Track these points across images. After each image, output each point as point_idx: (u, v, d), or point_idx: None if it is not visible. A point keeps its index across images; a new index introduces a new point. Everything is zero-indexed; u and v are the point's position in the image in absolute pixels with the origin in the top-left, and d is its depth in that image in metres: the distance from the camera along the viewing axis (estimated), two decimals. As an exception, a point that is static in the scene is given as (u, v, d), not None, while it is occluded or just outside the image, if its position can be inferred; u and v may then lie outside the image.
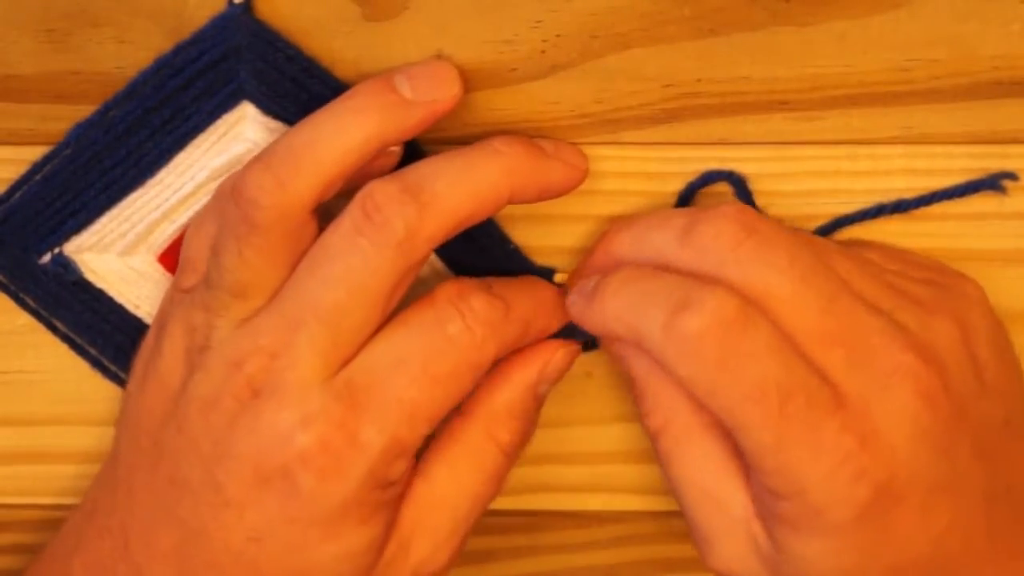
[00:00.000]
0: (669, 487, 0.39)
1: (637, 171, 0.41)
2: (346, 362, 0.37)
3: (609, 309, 0.37)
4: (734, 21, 0.39)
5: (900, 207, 0.41)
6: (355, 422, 0.36)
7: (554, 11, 0.39)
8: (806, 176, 0.41)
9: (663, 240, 0.38)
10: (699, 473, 0.38)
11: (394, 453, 0.36)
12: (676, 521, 0.45)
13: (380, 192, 0.36)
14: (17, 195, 0.41)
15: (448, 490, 0.39)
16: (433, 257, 0.41)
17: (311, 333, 0.36)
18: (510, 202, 0.38)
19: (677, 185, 0.41)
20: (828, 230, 0.41)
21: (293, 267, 0.37)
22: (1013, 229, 0.41)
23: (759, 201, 0.41)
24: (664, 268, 0.37)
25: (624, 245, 0.39)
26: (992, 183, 0.41)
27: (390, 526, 0.38)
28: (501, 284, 0.39)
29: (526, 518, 0.45)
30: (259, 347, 0.36)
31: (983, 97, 0.40)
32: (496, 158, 0.38)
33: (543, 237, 0.42)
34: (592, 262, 0.40)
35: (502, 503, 0.43)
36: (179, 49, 0.39)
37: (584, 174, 0.40)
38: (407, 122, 0.38)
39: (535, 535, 0.45)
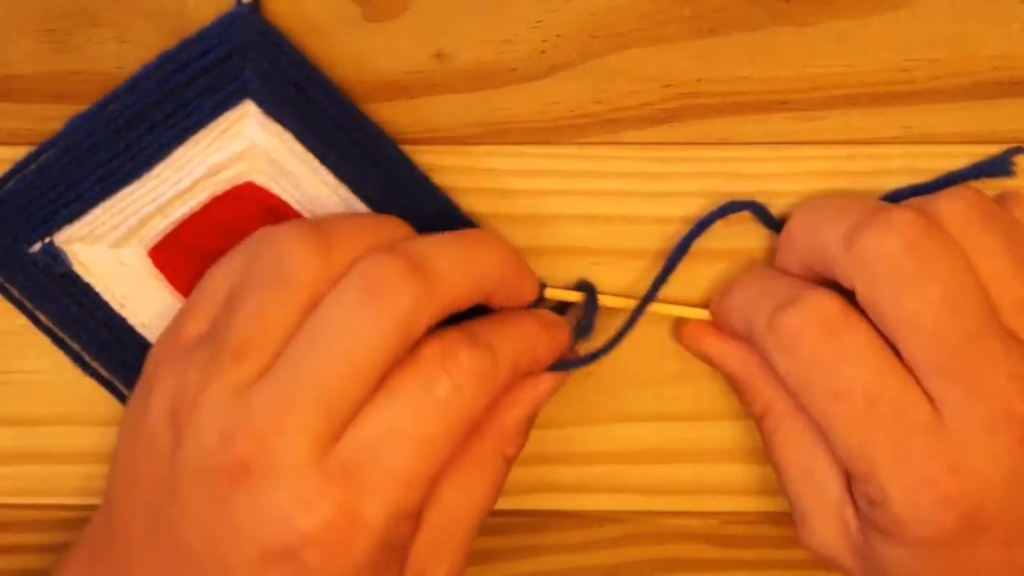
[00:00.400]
0: (772, 468, 0.41)
1: (637, 171, 0.41)
2: (339, 437, 0.36)
3: (734, 302, 0.40)
4: (734, 21, 0.39)
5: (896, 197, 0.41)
6: (355, 501, 0.35)
7: (554, 11, 0.39)
8: (806, 176, 0.41)
9: (831, 237, 0.38)
10: (798, 453, 0.40)
11: (398, 519, 0.36)
12: (676, 521, 0.45)
13: (386, 267, 0.36)
14: (10, 184, 0.41)
15: (461, 510, 0.39)
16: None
17: (304, 415, 0.35)
18: (490, 296, 0.38)
19: (677, 185, 0.41)
20: None
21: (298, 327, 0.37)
22: (1013, 229, 0.41)
23: (761, 201, 0.41)
24: (827, 267, 0.38)
25: (796, 236, 0.40)
26: (1000, 165, 0.40)
27: (402, 565, 0.38)
28: (485, 329, 0.38)
29: (526, 518, 0.45)
30: (251, 425, 0.36)
31: (983, 97, 0.40)
32: (495, 246, 0.38)
33: (543, 238, 0.42)
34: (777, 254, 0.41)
35: (503, 503, 0.43)
36: (184, 45, 0.39)
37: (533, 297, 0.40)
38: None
39: (536, 535, 0.45)
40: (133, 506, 0.38)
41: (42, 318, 0.42)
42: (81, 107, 0.40)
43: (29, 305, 0.42)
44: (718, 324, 0.41)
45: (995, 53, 0.39)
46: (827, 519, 0.39)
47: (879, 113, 0.40)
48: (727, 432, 0.43)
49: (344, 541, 0.35)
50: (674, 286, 0.42)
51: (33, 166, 0.41)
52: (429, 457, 0.36)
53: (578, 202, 0.41)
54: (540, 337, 0.40)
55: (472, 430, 0.37)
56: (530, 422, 0.40)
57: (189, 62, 0.39)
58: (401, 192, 0.40)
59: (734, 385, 0.42)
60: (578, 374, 0.43)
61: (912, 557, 0.37)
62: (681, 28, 0.39)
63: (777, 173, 0.41)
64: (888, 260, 0.36)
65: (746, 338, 0.40)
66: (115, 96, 0.40)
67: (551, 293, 0.41)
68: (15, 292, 0.42)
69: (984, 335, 0.36)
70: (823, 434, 0.38)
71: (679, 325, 0.42)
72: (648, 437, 0.44)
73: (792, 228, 0.40)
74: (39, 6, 0.39)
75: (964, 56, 0.39)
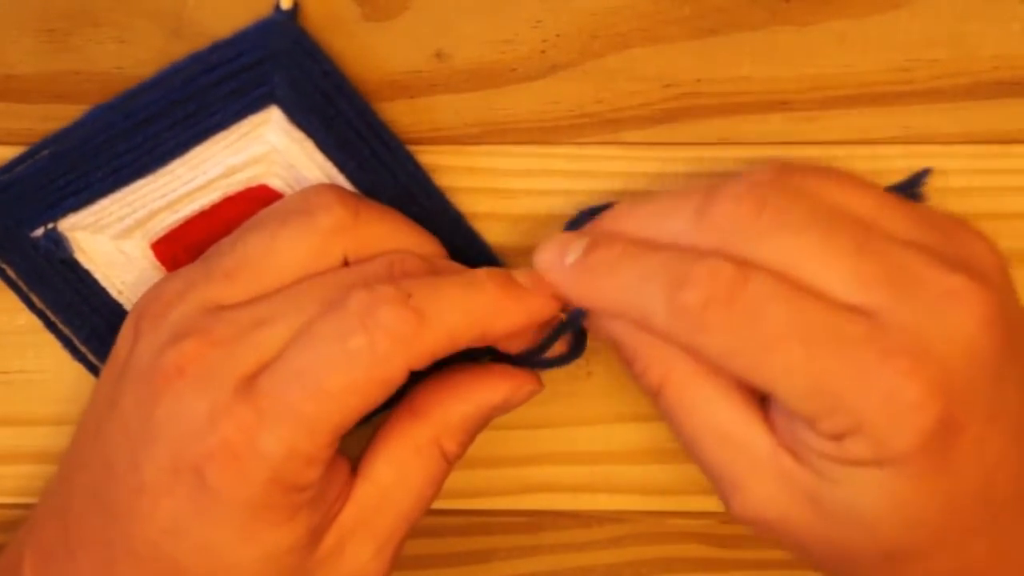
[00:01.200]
0: (682, 444, 0.38)
1: (637, 171, 0.41)
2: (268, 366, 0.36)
3: (606, 288, 0.37)
4: (734, 21, 0.39)
5: None
6: (255, 429, 0.35)
7: (554, 11, 0.39)
8: (806, 176, 0.41)
9: (678, 226, 0.37)
10: (712, 418, 0.37)
11: (297, 462, 0.36)
12: (676, 521, 0.45)
13: (385, 304, 0.36)
14: (20, 168, 0.41)
15: (394, 489, 0.38)
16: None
17: (262, 333, 0.36)
18: (488, 337, 0.38)
19: (677, 185, 0.41)
20: None
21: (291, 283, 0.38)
22: (1013, 229, 0.41)
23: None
24: (666, 247, 0.36)
25: (629, 225, 0.38)
26: (913, 185, 0.40)
27: (320, 528, 0.37)
28: (425, 293, 0.36)
29: (526, 518, 0.45)
30: (209, 331, 0.36)
31: (983, 97, 0.40)
32: (492, 292, 0.37)
33: (543, 238, 0.42)
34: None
35: (502, 503, 0.43)
36: (216, 47, 0.39)
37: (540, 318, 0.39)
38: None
39: (535, 535, 0.45)
40: (84, 424, 0.39)
41: (36, 301, 0.42)
42: (81, 107, 0.40)
43: (24, 287, 0.42)
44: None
45: (995, 53, 0.39)
46: (764, 477, 0.36)
47: (879, 113, 0.40)
48: (727, 432, 0.43)
49: (241, 466, 0.35)
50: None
51: (46, 152, 0.40)
52: (331, 407, 0.35)
53: (578, 202, 0.41)
54: (498, 304, 0.37)
55: (390, 390, 0.36)
56: (480, 424, 0.40)
57: (219, 64, 0.39)
58: (415, 207, 0.40)
59: (622, 354, 0.38)
60: (578, 374, 0.43)
61: (892, 476, 0.35)
62: (681, 28, 0.39)
63: (777, 173, 0.41)
64: (747, 222, 0.36)
65: (636, 325, 0.37)
66: (139, 90, 0.40)
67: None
68: (11, 273, 0.42)
69: (873, 239, 0.36)
70: (735, 390, 0.37)
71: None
72: (648, 437, 0.44)
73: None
74: (39, 6, 0.39)
75: (964, 56, 0.39)
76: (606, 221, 0.39)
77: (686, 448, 0.38)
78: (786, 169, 0.37)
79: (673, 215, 0.37)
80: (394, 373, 0.36)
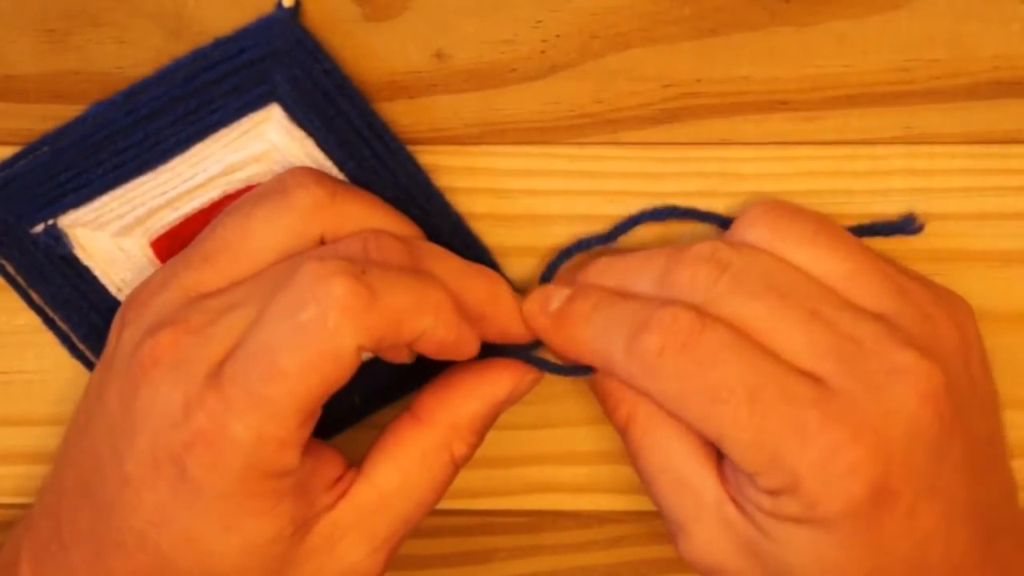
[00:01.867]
0: (641, 481, 0.40)
1: (637, 171, 0.41)
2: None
3: (579, 337, 0.39)
4: (734, 21, 0.39)
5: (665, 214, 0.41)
6: (224, 416, 0.35)
7: (554, 11, 0.39)
8: (806, 176, 0.41)
9: (644, 285, 0.38)
10: (668, 460, 0.38)
11: (270, 447, 0.35)
12: (676, 521, 0.45)
13: (335, 277, 0.35)
14: (20, 164, 0.41)
15: (395, 495, 0.38)
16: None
17: (235, 317, 0.36)
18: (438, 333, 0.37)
19: (677, 185, 0.41)
20: None
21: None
22: (1013, 229, 0.41)
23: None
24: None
25: (605, 280, 0.40)
26: (903, 226, 0.41)
27: (306, 520, 0.37)
28: (379, 273, 0.36)
29: (526, 518, 0.45)
30: (186, 319, 0.36)
31: (983, 97, 0.40)
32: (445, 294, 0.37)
33: (543, 238, 0.42)
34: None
35: (502, 503, 0.43)
36: (218, 44, 0.39)
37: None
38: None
39: (535, 535, 0.45)
40: (75, 419, 0.39)
41: (35, 297, 0.42)
42: (81, 107, 0.40)
43: (23, 283, 0.42)
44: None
45: (995, 53, 0.39)
46: (708, 524, 0.38)
47: (879, 113, 0.40)
48: (727, 432, 0.43)
49: (216, 455, 0.35)
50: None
51: (46, 148, 0.40)
52: (290, 387, 0.35)
53: (578, 202, 0.41)
54: (446, 305, 0.37)
55: (347, 370, 0.35)
56: (488, 421, 0.40)
57: (221, 61, 0.39)
58: (413, 207, 0.40)
59: (595, 391, 0.40)
60: (578, 374, 0.43)
61: (820, 538, 0.36)
62: (681, 28, 0.39)
63: (777, 173, 0.41)
64: (706, 284, 0.37)
65: (603, 368, 0.39)
66: (140, 87, 0.40)
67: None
68: (10, 269, 0.42)
69: (827, 309, 0.37)
70: (692, 438, 0.38)
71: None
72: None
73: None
74: (39, 6, 0.39)
75: (964, 56, 0.39)
76: (587, 275, 0.40)
77: (645, 486, 0.40)
78: (761, 222, 0.38)
79: (642, 273, 0.39)
80: (345, 349, 0.35)
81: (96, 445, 0.37)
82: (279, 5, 0.39)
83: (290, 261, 0.37)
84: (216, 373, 0.35)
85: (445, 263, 0.39)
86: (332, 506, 0.38)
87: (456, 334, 0.37)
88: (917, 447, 0.36)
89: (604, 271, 0.40)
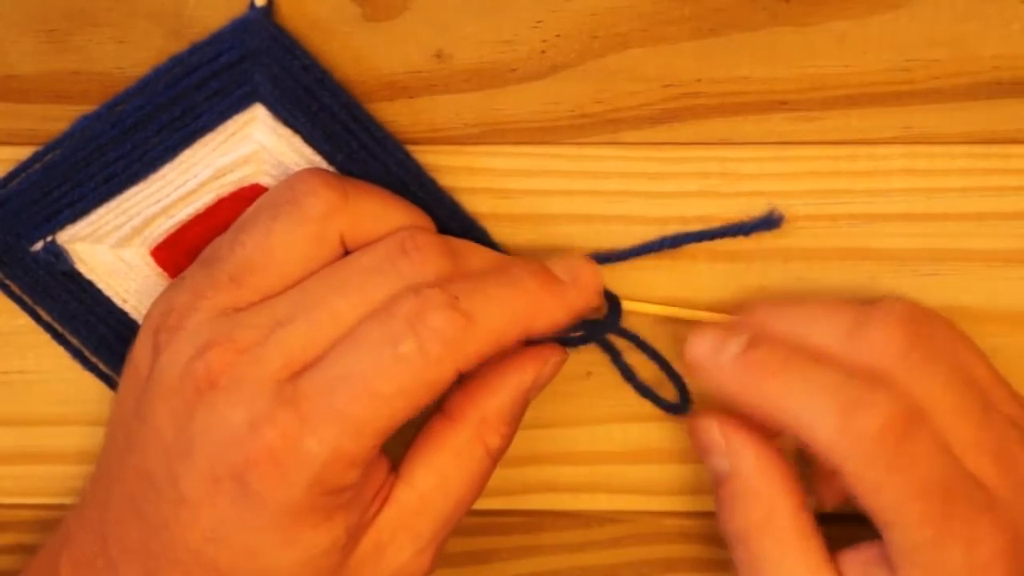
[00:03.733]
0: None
1: (637, 171, 0.41)
2: (306, 369, 0.36)
3: (770, 392, 0.37)
4: (734, 21, 0.39)
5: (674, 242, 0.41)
6: (298, 432, 0.35)
7: (554, 11, 0.39)
8: (806, 176, 0.41)
9: (827, 338, 0.38)
10: (792, 566, 0.38)
11: (340, 464, 0.36)
12: (676, 521, 0.45)
13: (433, 311, 0.36)
14: (14, 183, 0.41)
15: (434, 495, 0.39)
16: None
17: (288, 332, 0.36)
18: (531, 334, 0.38)
19: (677, 185, 0.41)
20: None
21: (296, 282, 0.38)
22: (1013, 229, 0.41)
23: (760, 201, 0.41)
24: (822, 358, 0.37)
25: (778, 327, 0.38)
26: (766, 223, 0.41)
27: (358, 528, 0.38)
28: (472, 292, 0.37)
29: (526, 518, 0.45)
30: (232, 338, 0.36)
31: (983, 97, 0.40)
32: (530, 283, 0.38)
33: (543, 238, 0.42)
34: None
35: (502, 503, 0.43)
36: (195, 49, 0.39)
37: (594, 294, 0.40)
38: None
39: (535, 535, 0.45)
40: (113, 436, 0.39)
41: (42, 315, 0.42)
42: (81, 107, 0.40)
43: (29, 302, 0.42)
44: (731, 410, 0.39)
45: (995, 53, 0.39)
46: None
47: (879, 113, 0.40)
48: (727, 432, 0.43)
49: (284, 470, 0.35)
50: (671, 284, 0.42)
51: (37, 165, 0.41)
52: (379, 410, 0.36)
53: (578, 202, 0.41)
54: (540, 302, 0.38)
55: (439, 393, 0.36)
56: (517, 410, 0.40)
57: (200, 65, 0.39)
58: (407, 194, 0.40)
59: (725, 488, 0.39)
60: (578, 373, 0.43)
61: None
62: (681, 28, 0.39)
63: (777, 173, 0.41)
64: (900, 354, 0.37)
65: (781, 430, 0.38)
66: (123, 97, 0.40)
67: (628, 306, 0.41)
68: (15, 289, 0.42)
69: (992, 410, 0.38)
70: (823, 552, 0.38)
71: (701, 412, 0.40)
72: (648, 437, 0.44)
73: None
74: (39, 6, 0.39)
75: (964, 56, 0.39)
76: (757, 318, 0.39)
77: None
78: (920, 314, 0.39)
79: (827, 325, 0.38)
80: (444, 376, 0.36)
81: (146, 465, 0.37)
82: (252, 5, 0.38)
83: (333, 270, 0.38)
84: (285, 390, 0.36)
85: (480, 256, 0.39)
86: (378, 512, 0.38)
87: (549, 326, 0.38)
88: None
89: (779, 317, 0.39)
